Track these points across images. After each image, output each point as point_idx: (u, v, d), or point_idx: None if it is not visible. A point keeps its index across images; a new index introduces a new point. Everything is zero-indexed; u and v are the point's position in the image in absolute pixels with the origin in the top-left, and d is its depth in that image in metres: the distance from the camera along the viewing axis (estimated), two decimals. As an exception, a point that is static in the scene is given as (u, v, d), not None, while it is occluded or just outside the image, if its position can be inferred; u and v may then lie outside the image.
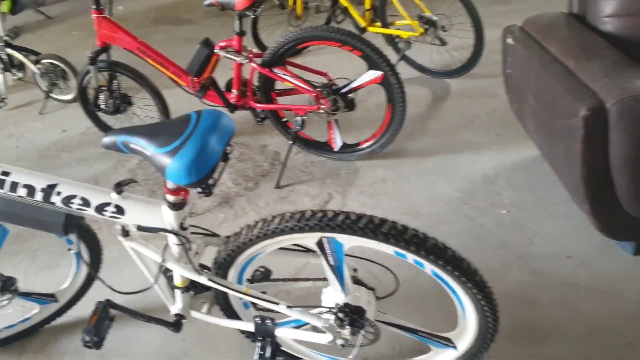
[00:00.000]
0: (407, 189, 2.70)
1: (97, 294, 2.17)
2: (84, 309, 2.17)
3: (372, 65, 2.65)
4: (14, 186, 1.40)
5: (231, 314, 1.69)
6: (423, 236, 1.32)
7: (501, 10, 4.66)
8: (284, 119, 3.01)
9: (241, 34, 2.74)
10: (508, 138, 3.00)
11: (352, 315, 1.43)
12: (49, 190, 1.40)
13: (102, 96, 3.10)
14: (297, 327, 1.62)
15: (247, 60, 2.75)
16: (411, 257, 1.35)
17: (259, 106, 2.92)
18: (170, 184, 1.33)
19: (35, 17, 6.00)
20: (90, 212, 1.41)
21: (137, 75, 3.04)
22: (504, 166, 2.80)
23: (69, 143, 3.54)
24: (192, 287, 1.62)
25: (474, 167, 2.81)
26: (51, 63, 3.87)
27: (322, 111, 2.75)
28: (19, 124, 3.89)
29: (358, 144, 2.93)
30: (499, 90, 3.43)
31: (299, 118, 2.78)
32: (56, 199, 1.40)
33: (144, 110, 3.28)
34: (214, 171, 1.21)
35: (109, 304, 1.61)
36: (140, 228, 1.42)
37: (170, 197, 1.35)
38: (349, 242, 1.35)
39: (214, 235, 1.60)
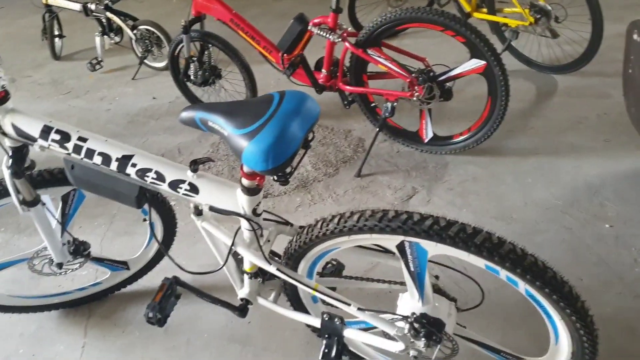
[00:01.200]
0: (500, 191, 2.49)
1: (169, 265, 2.17)
2: (155, 279, 2.17)
3: (475, 54, 2.44)
4: (90, 153, 1.36)
5: (298, 305, 1.59)
6: (521, 252, 1.15)
7: (625, 2, 4.24)
8: (373, 104, 2.87)
9: (337, 11, 2.61)
10: (619, 144, 2.71)
11: (429, 328, 1.29)
12: (124, 160, 1.34)
13: (192, 66, 3.09)
14: (366, 330, 1.49)
15: (341, 39, 2.62)
16: (504, 274, 1.19)
17: (348, 88, 2.79)
18: (246, 168, 1.23)
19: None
20: (163, 187, 1.35)
21: (228, 48, 2.98)
22: (612, 175, 2.52)
23: (158, 111, 3.58)
24: (260, 273, 1.53)
25: (577, 173, 2.55)
26: (147, 29, 3.92)
27: (415, 99, 2.58)
28: (111, 88, 3.99)
29: (451, 137, 2.74)
30: (613, 91, 3.13)
31: (389, 104, 2.63)
32: (131, 171, 1.35)
33: (232, 85, 3.24)
34: (293, 159, 1.10)
35: (176, 281, 1.55)
36: (212, 209, 1.34)
37: (245, 182, 1.26)
38: (434, 249, 1.20)
39: (287, 223, 1.49)
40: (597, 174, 2.53)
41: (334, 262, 1.70)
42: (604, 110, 3.03)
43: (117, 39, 4.10)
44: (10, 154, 1.48)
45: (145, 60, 4.04)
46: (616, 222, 2.24)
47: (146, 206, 1.81)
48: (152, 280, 2.18)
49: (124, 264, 2.04)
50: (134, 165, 1.34)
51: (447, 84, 2.60)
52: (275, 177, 1.17)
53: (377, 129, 2.72)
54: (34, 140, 1.40)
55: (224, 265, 1.49)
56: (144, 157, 1.34)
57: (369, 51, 2.61)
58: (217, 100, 3.34)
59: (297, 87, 2.87)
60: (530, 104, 3.18)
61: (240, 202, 1.31)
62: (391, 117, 2.67)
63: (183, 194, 1.35)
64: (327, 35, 2.63)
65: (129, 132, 3.34)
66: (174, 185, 1.34)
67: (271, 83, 3.69)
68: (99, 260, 1.96)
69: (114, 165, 1.36)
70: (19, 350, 1.96)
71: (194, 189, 1.33)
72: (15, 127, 1.40)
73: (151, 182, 1.35)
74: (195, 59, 3.06)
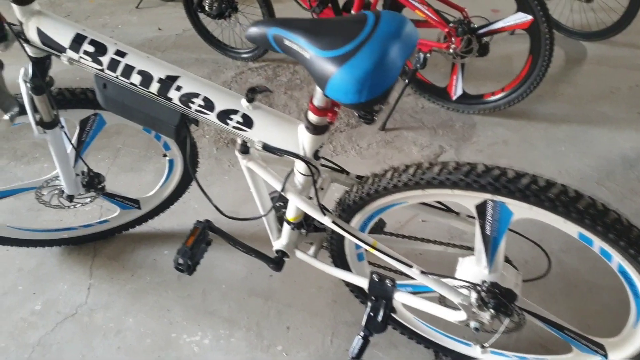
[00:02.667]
0: (532, 157, 2.36)
1: (181, 208, 2.01)
2: (165, 221, 2.01)
3: (522, 7, 2.27)
4: (127, 70, 1.17)
5: (341, 262, 1.45)
6: (627, 223, 1.02)
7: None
8: (402, 54, 2.68)
9: (377, -53, 2.39)
10: (654, 119, 2.60)
11: (501, 299, 1.16)
12: (168, 82, 1.16)
13: (208, -4, 2.85)
14: (416, 293, 1.37)
15: (378, -21, 2.42)
16: (599, 245, 1.06)
17: (378, 35, 2.59)
18: (317, 100, 1.07)
19: None
20: (211, 117, 1.17)
21: (249, -21, 2.75)
22: (648, 150, 2.41)
23: (164, 43, 3.34)
24: (305, 224, 1.38)
25: (611, 144, 2.43)
26: (156, -45, 3.64)
27: (451, 51, 2.41)
28: (114, 15, 3.71)
29: (482, 96, 2.59)
30: (646, 64, 3.01)
31: (421, 55, 2.45)
32: (174, 95, 1.17)
33: (249, 19, 3.02)
34: (391, 92, 0.93)
35: (209, 226, 1.39)
36: (266, 147, 1.17)
37: (313, 117, 1.09)
38: (523, 212, 1.06)
39: (343, 171, 1.34)
40: (633, 147, 2.42)
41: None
42: (636, 82, 2.90)
43: (121, -38, 3.81)
44: (31, 64, 1.28)
45: (151, -12, 3.77)
46: (653, 199, 2.14)
47: (167, 139, 1.64)
48: (163, 222, 2.02)
49: (136, 203, 1.87)
50: (178, 88, 1.16)
51: (486, 38, 2.43)
52: (361, 114, 1.01)
53: (406, 81, 2.55)
54: (62, 50, 1.20)
55: (269, 212, 1.34)
56: (192, 80, 1.17)
57: (406, -5, 2.42)
58: (233, 36, 3.11)
59: (391, 11, 2.68)
60: (559, 70, 3.03)
61: (302, 141, 1.15)
62: (421, 70, 2.49)
63: (233, 127, 1.17)
64: (363, -26, 2.43)
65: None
66: (224, 115, 1.16)
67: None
68: (111, 196, 1.79)
69: (154, 87, 1.17)
70: (17, 287, 1.80)
71: (247, 122, 1.16)
72: (40, 34, 1.20)
73: (196, 110, 1.18)
74: (212, -12, 2.82)
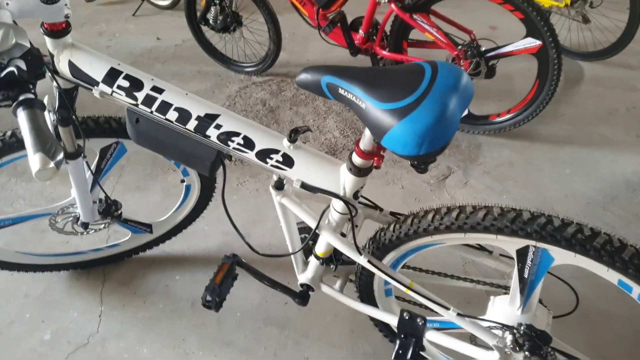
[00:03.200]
0: (538, 179, 2.38)
1: (191, 230, 1.97)
2: (175, 244, 1.98)
3: (531, 32, 2.29)
4: (164, 107, 1.15)
5: (368, 297, 1.44)
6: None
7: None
8: (408, 73, 2.68)
9: (388, -32, 2.39)
10: (653, 141, 2.64)
11: (536, 341, 1.16)
12: (207, 120, 1.14)
13: (213, 10, 2.82)
14: (443, 329, 1.36)
15: (387, 0, 2.41)
16: (638, 292, 1.06)
17: (386, 54, 2.59)
18: (365, 145, 1.06)
19: None
20: (249, 155, 1.15)
21: (255, -6, 2.73)
22: (648, 174, 2.45)
23: (163, 53, 3.29)
24: (334, 259, 1.37)
25: (614, 167, 2.46)
26: (153, -37, 3.59)
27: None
28: (110, 22, 3.65)
29: (487, 117, 2.60)
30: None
31: (429, 76, 2.45)
32: (212, 133, 1.14)
33: (253, 34, 3.00)
34: (449, 144, 0.93)
35: (237, 261, 1.37)
36: (304, 186, 1.15)
37: (358, 160, 1.08)
38: (565, 259, 1.07)
39: (377, 207, 1.33)
40: (634, 171, 2.45)
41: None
42: (633, 103, 2.95)
43: (117, -31, 3.75)
44: (58, 95, 1.24)
45: (148, -4, 3.72)
46: (657, 224, 2.17)
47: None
48: (173, 245, 1.98)
49: (148, 227, 1.84)
50: (218, 126, 1.14)
51: (493, 61, 2.44)
52: (415, 163, 1.00)
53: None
54: (94, 84, 1.17)
55: (299, 250, 1.32)
56: (232, 119, 1.14)
57: (416, 17, 2.42)
58: (236, 50, 3.08)
59: (329, 46, 2.68)
60: (559, 89, 3.02)
61: (343, 181, 1.13)
62: (429, 90, 2.50)
63: (272, 165, 1.16)
64: (373, -6, 2.42)
65: (133, 75, 3.05)
66: (264, 154, 1.15)
67: (285, 36, 3.43)
68: (124, 221, 1.75)
69: (192, 125, 1.15)
70: (24, 315, 1.74)
71: (287, 161, 1.14)
72: (72, 66, 1.17)
73: (234, 148, 1.15)
74: (217, 2, 2.78)
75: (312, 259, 1.39)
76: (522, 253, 1.11)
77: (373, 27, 2.61)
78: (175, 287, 1.86)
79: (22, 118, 0.89)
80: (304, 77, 1.00)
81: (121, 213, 1.65)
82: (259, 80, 3.05)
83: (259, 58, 3.05)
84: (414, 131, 0.88)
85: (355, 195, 1.16)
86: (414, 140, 0.88)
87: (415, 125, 0.88)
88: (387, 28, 2.58)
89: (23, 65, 0.93)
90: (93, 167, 1.52)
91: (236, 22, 2.86)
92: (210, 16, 2.83)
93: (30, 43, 1.01)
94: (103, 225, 1.67)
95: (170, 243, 1.96)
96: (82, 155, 1.40)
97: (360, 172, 1.10)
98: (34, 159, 0.84)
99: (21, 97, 0.91)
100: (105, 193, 1.56)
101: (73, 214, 1.61)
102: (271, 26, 2.80)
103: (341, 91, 0.96)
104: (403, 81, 0.92)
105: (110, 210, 1.61)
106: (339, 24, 2.57)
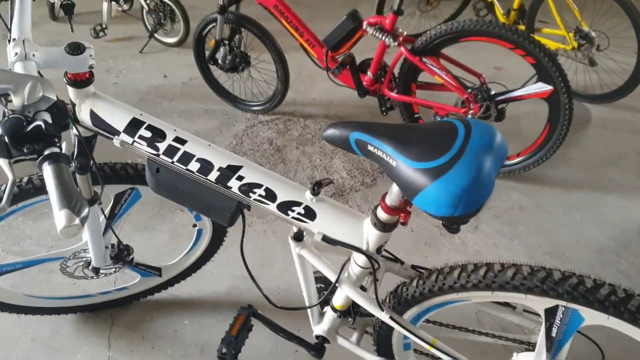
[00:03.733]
0: (549, 224, 2.36)
1: (199, 273, 1.94)
2: (183, 287, 1.94)
3: (543, 77, 2.30)
4: (186, 158, 1.13)
5: (386, 351, 1.40)
6: None
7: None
8: (417, 115, 2.69)
9: (398, 13, 2.41)
10: (663, 187, 2.63)
11: (565, 405, 1.13)
12: (228, 172, 1.12)
13: (222, 50, 2.84)
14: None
15: (397, 44, 2.43)
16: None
17: (394, 95, 2.60)
18: (391, 201, 1.04)
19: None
20: (270, 207, 1.13)
21: (265, 35, 2.75)
22: (661, 221, 2.43)
23: (171, 91, 3.30)
24: (352, 312, 1.34)
25: (625, 213, 2.45)
26: (162, 1, 3.64)
27: (469, 116, 2.42)
28: (117, 59, 3.67)
29: (497, 160, 2.59)
30: (648, 128, 3.08)
31: (438, 118, 2.46)
32: (234, 184, 1.13)
33: (261, 73, 3.01)
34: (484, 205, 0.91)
35: (253, 312, 1.34)
36: (326, 239, 1.13)
37: (384, 216, 1.06)
38: (597, 320, 1.04)
39: (398, 261, 1.30)
40: (646, 217, 2.44)
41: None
42: (641, 148, 2.96)
43: (125, 6, 3.78)
44: (77, 143, 1.23)
45: (156, 34, 3.75)
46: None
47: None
48: (180, 288, 1.95)
49: (157, 270, 1.81)
50: (240, 178, 1.12)
51: (502, 104, 2.45)
52: (447, 223, 0.98)
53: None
54: (115, 133, 1.16)
55: (318, 303, 1.29)
56: (255, 170, 1.13)
57: (425, 60, 2.43)
58: (244, 88, 3.09)
59: (335, 85, 2.69)
60: (567, 132, 3.07)
61: (366, 235, 1.11)
62: (438, 132, 2.50)
63: (293, 217, 1.14)
64: (384, 38, 2.44)
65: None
66: (285, 206, 1.13)
67: (291, 75, 3.44)
68: (134, 265, 1.72)
69: (213, 176, 1.13)
70: (31, 359, 1.70)
71: (309, 214, 1.12)
72: (93, 116, 1.15)
73: (256, 200, 1.14)
74: (226, 42, 2.80)
75: (328, 310, 1.36)
76: (550, 312, 1.08)
77: (381, 69, 2.62)
78: (183, 332, 1.82)
79: (48, 173, 0.87)
80: (331, 132, 0.99)
81: (133, 258, 1.62)
82: (266, 118, 3.06)
83: (265, 97, 3.06)
84: (449, 192, 0.86)
85: (379, 249, 1.14)
86: (449, 202, 0.87)
87: (450, 186, 0.86)
88: (396, 70, 2.59)
89: (49, 119, 0.91)
90: (107, 212, 1.49)
91: (245, 62, 2.88)
92: (219, 56, 2.84)
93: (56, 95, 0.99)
94: (114, 269, 1.64)
95: (178, 286, 1.93)
96: (99, 202, 1.38)
97: (385, 227, 1.08)
98: (59, 216, 0.82)
99: (47, 152, 0.89)
100: (117, 238, 1.53)
101: (84, 259, 1.58)
102: (279, 66, 2.82)
103: (370, 148, 0.94)
104: (436, 139, 0.91)
105: (122, 255, 1.59)
106: (347, 66, 2.59)
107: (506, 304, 1.29)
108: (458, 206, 0.87)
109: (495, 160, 0.90)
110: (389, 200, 1.04)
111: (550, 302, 1.06)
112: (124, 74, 3.47)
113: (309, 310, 1.37)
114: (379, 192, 2.49)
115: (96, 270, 1.58)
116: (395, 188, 1.01)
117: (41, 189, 1.36)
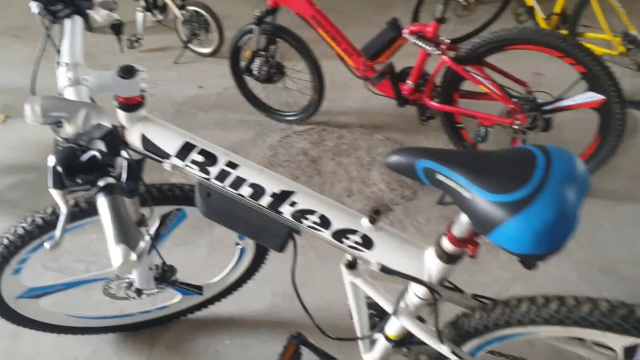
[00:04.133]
0: (601, 240, 2.26)
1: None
2: (224, 305, 1.90)
3: (594, 87, 2.20)
4: (238, 182, 1.08)
5: (441, 382, 1.33)
6: None
7: None
8: (459, 125, 2.62)
9: (441, 20, 2.35)
10: None
11: None
12: (281, 197, 1.07)
13: (257, 61, 2.79)
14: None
15: (440, 52, 2.36)
16: None
17: (436, 105, 2.53)
18: (459, 232, 0.97)
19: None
20: (324, 234, 1.08)
21: (301, 46, 2.70)
22: None
23: (206, 102, 3.28)
24: (407, 342, 1.27)
25: (682, 229, 2.33)
26: (196, 11, 3.61)
27: (515, 126, 2.34)
28: (152, 70, 3.65)
29: (542, 172, 2.50)
30: (701, 137, 2.94)
31: (482, 129, 2.38)
32: (286, 210, 1.08)
33: (295, 83, 2.96)
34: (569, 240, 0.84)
35: (302, 341, 1.28)
36: (385, 269, 1.07)
37: (450, 247, 0.99)
38: (683, 359, 0.96)
39: (457, 289, 1.24)
40: None
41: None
42: (695, 157, 2.82)
43: (160, 17, 3.77)
44: (127, 167, 1.19)
45: (190, 44, 3.73)
46: None
47: None
48: (220, 306, 1.90)
49: (199, 289, 1.77)
50: (293, 204, 1.07)
51: (549, 114, 2.36)
52: (524, 260, 0.91)
53: (466, 155, 2.47)
54: (166, 157, 1.11)
55: (372, 334, 1.23)
56: (308, 196, 1.07)
57: (469, 68, 2.36)
58: (279, 98, 3.05)
59: (369, 93, 2.63)
60: (614, 141, 2.95)
61: (428, 267, 1.05)
62: (482, 143, 2.42)
63: (349, 246, 1.08)
64: (426, 46, 2.37)
65: (177, 124, 3.00)
66: (340, 234, 1.07)
67: (337, 88, 3.39)
68: (177, 284, 1.69)
69: (265, 201, 1.08)
70: (72, 381, 1.67)
71: (367, 242, 1.06)
72: (145, 140, 1.11)
73: (309, 226, 1.08)
74: (263, 53, 2.76)
75: (380, 338, 1.29)
76: (630, 349, 1.01)
77: (422, 78, 2.55)
78: (224, 353, 1.78)
79: (103, 205, 0.83)
80: (396, 159, 0.93)
81: (177, 279, 1.59)
82: (300, 129, 3.01)
83: (300, 107, 3.02)
84: (532, 228, 0.79)
85: (441, 281, 1.07)
86: (531, 239, 0.80)
87: (532, 222, 0.79)
88: (437, 79, 2.52)
89: (103, 147, 0.87)
90: (152, 232, 1.46)
91: (280, 72, 2.83)
92: (254, 67, 2.80)
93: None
94: (157, 290, 1.60)
95: (218, 304, 1.89)
96: (145, 224, 1.34)
97: (450, 259, 1.01)
98: (116, 251, 0.79)
99: (101, 182, 0.85)
100: (162, 259, 1.50)
101: (127, 280, 1.55)
102: (315, 76, 2.77)
103: (440, 177, 0.88)
104: (513, 168, 0.84)
105: (166, 276, 1.55)
106: (387, 76, 2.52)
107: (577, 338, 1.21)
108: (541, 244, 0.80)
109: (579, 192, 0.83)
110: (456, 232, 0.98)
111: (630, 341, 0.99)
112: (159, 85, 3.46)
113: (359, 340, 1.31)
114: (419, 206, 2.42)
115: (139, 292, 1.55)
116: (463, 219, 0.94)
117: (88, 212, 1.33)
